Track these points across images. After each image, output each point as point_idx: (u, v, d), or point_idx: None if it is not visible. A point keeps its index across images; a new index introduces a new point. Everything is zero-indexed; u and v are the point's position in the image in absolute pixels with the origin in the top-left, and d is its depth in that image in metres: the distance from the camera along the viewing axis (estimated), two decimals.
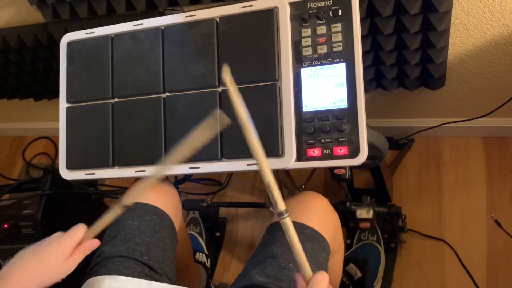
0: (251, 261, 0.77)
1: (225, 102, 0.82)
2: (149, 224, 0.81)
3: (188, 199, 1.45)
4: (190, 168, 0.83)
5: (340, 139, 0.76)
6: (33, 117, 1.78)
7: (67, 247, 0.66)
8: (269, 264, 0.73)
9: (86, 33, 0.92)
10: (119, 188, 1.49)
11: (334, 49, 0.78)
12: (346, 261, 1.16)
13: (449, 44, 1.05)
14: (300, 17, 0.80)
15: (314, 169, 1.31)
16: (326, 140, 0.77)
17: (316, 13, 0.79)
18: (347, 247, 1.27)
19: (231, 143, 0.81)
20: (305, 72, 0.79)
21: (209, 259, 1.30)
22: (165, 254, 0.80)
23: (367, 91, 1.19)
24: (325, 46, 0.78)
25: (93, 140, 0.89)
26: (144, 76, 0.87)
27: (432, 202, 1.32)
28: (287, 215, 0.59)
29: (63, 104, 0.93)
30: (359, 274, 1.18)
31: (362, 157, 0.75)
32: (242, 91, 0.80)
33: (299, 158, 0.78)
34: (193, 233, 1.37)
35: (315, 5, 0.79)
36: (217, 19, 0.84)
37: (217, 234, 1.41)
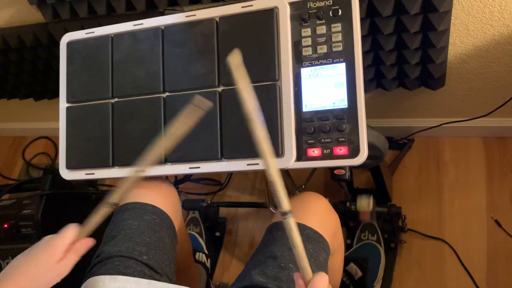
0: (251, 262, 0.77)
1: (225, 102, 0.82)
2: (149, 224, 0.81)
3: (188, 199, 1.45)
4: (190, 168, 0.83)
5: (340, 139, 0.76)
6: (33, 117, 1.78)
7: (57, 250, 0.65)
8: (269, 265, 0.72)
9: (86, 33, 0.92)
10: None
11: (334, 49, 0.78)
12: (347, 260, 1.16)
13: (449, 44, 1.05)
14: (300, 17, 0.80)
15: (314, 169, 1.31)
16: (326, 140, 0.77)
17: (316, 13, 0.79)
18: (347, 247, 1.26)
19: (231, 143, 0.81)
20: (305, 72, 0.79)
21: (209, 259, 1.30)
22: (165, 254, 0.80)
23: (367, 91, 1.19)
24: (325, 46, 0.78)
25: (93, 140, 0.89)
26: (144, 76, 0.87)
27: (432, 202, 1.32)
28: (291, 215, 0.58)
29: (63, 104, 0.93)
30: (360, 274, 1.18)
31: (362, 157, 0.75)
32: None
33: (299, 158, 0.78)
34: (193, 233, 1.37)
35: (315, 5, 0.79)
36: (217, 19, 0.84)
37: (217, 234, 1.41)
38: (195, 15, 0.86)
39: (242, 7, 0.82)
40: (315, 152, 0.77)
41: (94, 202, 1.35)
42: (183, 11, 0.90)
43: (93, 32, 0.92)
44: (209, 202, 1.38)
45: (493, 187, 1.30)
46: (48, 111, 1.71)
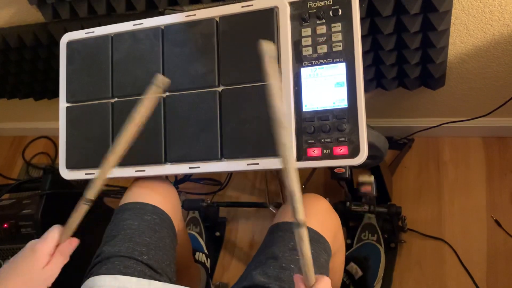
0: (253, 262, 0.77)
1: (225, 102, 0.82)
2: (149, 224, 0.81)
3: (188, 199, 1.45)
4: (190, 168, 0.83)
5: (340, 139, 0.76)
6: (33, 117, 1.78)
7: (42, 255, 0.64)
8: (270, 265, 0.72)
9: (86, 33, 0.92)
10: (119, 188, 1.49)
11: (334, 49, 0.78)
12: (347, 260, 1.16)
13: (449, 43, 1.05)
14: (300, 17, 0.80)
15: (314, 169, 1.31)
16: (326, 140, 0.77)
17: (316, 12, 0.79)
18: (347, 247, 1.26)
19: (231, 143, 0.81)
20: (305, 71, 0.79)
21: (209, 259, 1.30)
22: (165, 254, 0.80)
23: (367, 91, 1.19)
24: (325, 46, 0.78)
25: (93, 140, 0.89)
26: (144, 76, 0.87)
27: (432, 202, 1.32)
28: (304, 227, 0.56)
29: (63, 103, 0.93)
30: (360, 273, 1.18)
31: (362, 156, 0.75)
32: (242, 91, 0.81)
33: (299, 158, 0.78)
34: (193, 233, 1.37)
35: (315, 4, 0.79)
36: (217, 19, 0.84)
37: (217, 234, 1.41)
38: (195, 15, 0.86)
39: (242, 6, 0.82)
40: (315, 152, 0.77)
41: (94, 202, 1.36)
42: (183, 10, 0.90)
43: (93, 32, 0.92)
44: (209, 202, 1.38)
45: (493, 187, 1.30)
46: (48, 111, 1.71)
